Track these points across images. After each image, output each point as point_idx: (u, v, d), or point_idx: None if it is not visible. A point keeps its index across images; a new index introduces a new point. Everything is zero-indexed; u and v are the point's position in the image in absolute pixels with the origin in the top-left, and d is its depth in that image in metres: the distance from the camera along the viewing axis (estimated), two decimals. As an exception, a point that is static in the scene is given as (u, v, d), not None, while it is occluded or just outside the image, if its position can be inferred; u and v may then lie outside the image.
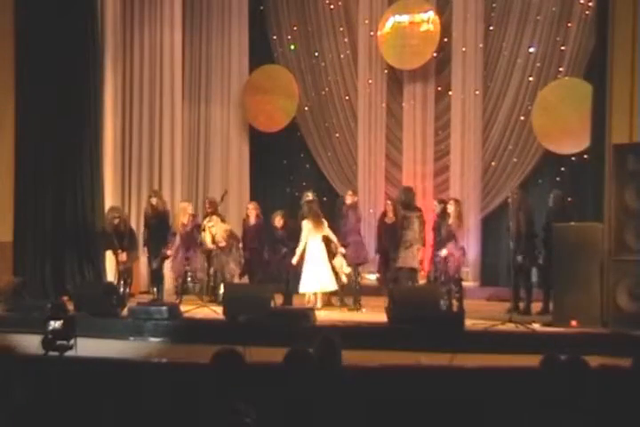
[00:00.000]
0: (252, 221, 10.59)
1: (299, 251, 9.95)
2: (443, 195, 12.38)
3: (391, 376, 6.45)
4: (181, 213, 10.73)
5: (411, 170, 12.83)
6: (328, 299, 10.31)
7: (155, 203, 10.63)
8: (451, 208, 9.77)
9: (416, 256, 9.94)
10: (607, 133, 8.73)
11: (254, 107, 13.43)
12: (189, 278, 11.09)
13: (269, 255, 10.52)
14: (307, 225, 9.97)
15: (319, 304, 9.99)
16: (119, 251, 10.57)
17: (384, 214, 10.40)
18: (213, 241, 10.44)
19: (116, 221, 10.60)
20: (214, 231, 10.42)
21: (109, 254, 11.37)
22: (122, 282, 10.62)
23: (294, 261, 10.00)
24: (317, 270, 9.89)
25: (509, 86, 12.34)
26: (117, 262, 10.71)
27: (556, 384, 3.96)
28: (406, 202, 10.16)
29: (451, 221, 9.72)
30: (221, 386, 3.74)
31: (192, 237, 10.52)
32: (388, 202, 10.55)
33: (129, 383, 6.21)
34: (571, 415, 3.72)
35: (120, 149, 12.52)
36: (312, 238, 9.95)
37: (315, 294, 10.05)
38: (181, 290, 10.65)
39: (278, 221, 10.41)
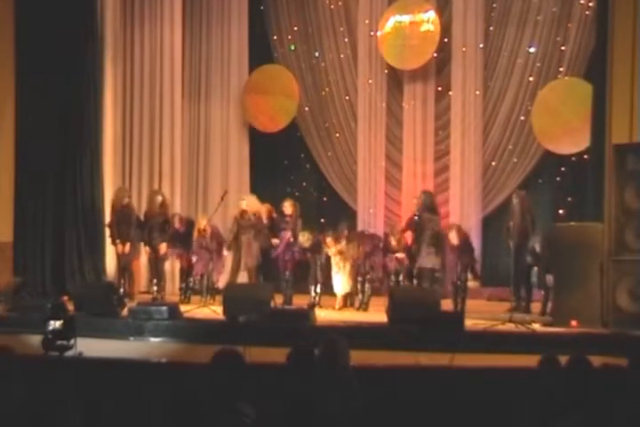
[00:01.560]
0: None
1: None
2: (443, 195, 12.42)
3: (391, 376, 6.45)
4: (200, 220, 10.82)
5: (411, 170, 12.82)
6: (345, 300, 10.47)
7: (160, 201, 10.86)
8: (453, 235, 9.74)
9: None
10: (607, 133, 8.73)
11: (254, 107, 13.42)
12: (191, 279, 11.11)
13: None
14: None
15: (337, 306, 10.25)
16: (118, 242, 10.62)
17: (387, 238, 10.41)
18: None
19: (126, 200, 10.78)
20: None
21: (109, 254, 11.41)
22: (122, 280, 10.66)
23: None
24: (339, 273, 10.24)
25: (509, 86, 12.33)
26: (118, 256, 10.75)
27: (556, 384, 3.96)
28: (430, 206, 10.27)
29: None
30: (221, 386, 3.74)
31: (212, 242, 10.58)
32: (394, 230, 10.49)
33: (129, 383, 6.21)
34: (571, 415, 3.72)
35: (120, 149, 12.54)
36: None
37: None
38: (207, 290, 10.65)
39: (288, 207, 10.54)
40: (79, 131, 11.26)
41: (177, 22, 12.89)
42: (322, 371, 4.15)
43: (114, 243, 10.81)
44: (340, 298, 10.33)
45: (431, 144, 12.80)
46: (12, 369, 3.91)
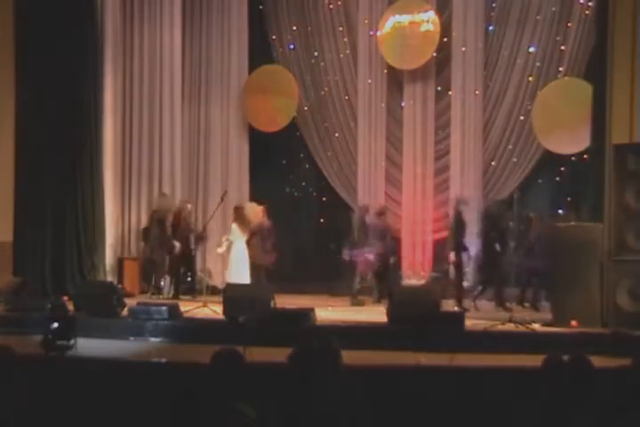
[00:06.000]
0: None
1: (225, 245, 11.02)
2: (443, 195, 12.42)
3: (391, 376, 6.45)
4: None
5: (411, 170, 12.82)
6: None
7: (189, 208, 11.74)
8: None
9: None
10: (607, 133, 8.73)
11: (254, 107, 13.42)
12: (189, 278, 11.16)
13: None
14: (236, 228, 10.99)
15: None
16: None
17: None
18: None
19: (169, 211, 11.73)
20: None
21: (109, 254, 11.45)
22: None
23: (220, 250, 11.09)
24: (244, 269, 10.82)
25: (509, 86, 12.34)
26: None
27: (559, 384, 3.96)
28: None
29: None
30: (221, 386, 3.74)
31: None
32: None
33: (129, 383, 6.21)
34: (572, 415, 3.72)
35: (120, 149, 12.55)
36: (239, 239, 10.89)
37: None
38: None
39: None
40: (79, 131, 11.26)
41: (177, 23, 12.90)
42: (322, 371, 4.14)
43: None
44: None
45: (431, 144, 12.80)
46: (12, 369, 3.91)
